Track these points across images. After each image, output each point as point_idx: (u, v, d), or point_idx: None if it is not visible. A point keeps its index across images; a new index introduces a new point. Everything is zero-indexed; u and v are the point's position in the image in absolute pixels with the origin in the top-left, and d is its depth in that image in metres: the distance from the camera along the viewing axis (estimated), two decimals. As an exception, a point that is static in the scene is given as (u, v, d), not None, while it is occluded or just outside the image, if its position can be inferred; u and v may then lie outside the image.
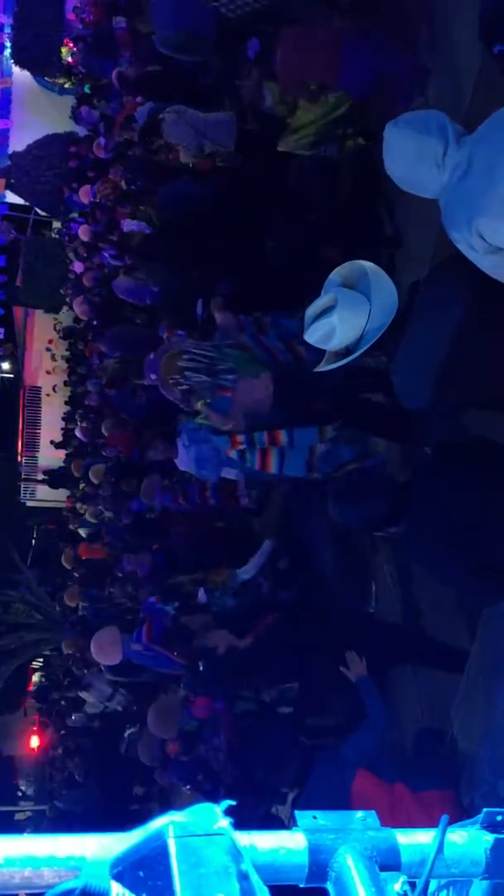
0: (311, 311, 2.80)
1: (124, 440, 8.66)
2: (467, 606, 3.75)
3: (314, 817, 1.02)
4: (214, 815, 0.63)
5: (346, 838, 0.99)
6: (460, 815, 1.06)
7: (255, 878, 0.61)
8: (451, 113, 3.84)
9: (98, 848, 0.63)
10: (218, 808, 0.63)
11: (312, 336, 2.82)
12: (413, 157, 2.29)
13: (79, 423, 11.68)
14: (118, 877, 0.58)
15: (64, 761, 10.45)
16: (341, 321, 2.70)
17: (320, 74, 4.46)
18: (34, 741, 16.89)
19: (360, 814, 1.05)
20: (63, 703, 11.21)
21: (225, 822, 0.63)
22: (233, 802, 0.64)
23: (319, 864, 0.97)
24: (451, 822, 1.01)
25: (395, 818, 2.93)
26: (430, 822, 1.01)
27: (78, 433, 11.58)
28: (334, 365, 2.92)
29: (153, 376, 6.32)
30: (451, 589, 3.50)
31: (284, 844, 0.96)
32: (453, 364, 2.44)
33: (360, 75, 4.28)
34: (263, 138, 6.64)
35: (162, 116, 6.72)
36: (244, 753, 4.26)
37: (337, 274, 2.82)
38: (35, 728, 17.16)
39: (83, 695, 8.73)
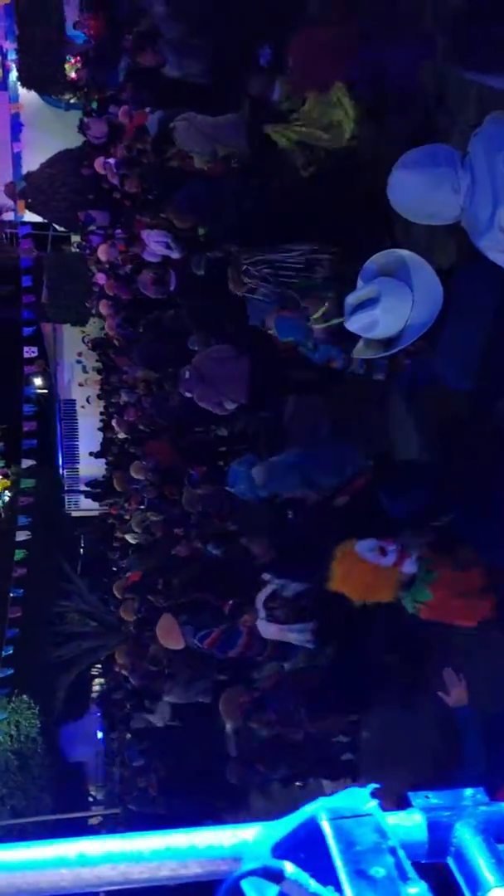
0: (353, 299, 2.76)
1: (162, 450, 8.79)
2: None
3: (426, 797, 1.08)
4: (363, 798, 0.69)
5: (461, 814, 1.05)
6: None
7: (401, 853, 0.67)
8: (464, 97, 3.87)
9: (251, 836, 0.70)
10: (365, 792, 0.70)
11: (354, 325, 2.78)
12: (430, 189, 2.46)
13: (118, 430, 11.87)
14: (281, 859, 0.64)
15: (133, 764, 10.61)
16: (385, 313, 2.67)
17: (333, 73, 4.48)
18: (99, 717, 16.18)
19: (469, 790, 1.11)
20: (127, 705, 11.38)
21: (372, 804, 0.69)
22: (377, 785, 0.70)
23: (438, 841, 1.03)
24: None
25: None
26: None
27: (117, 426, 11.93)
28: (374, 355, 2.92)
29: (188, 394, 6.63)
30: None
31: (403, 823, 1.03)
32: (495, 349, 2.48)
33: (373, 66, 4.32)
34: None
35: (173, 125, 6.79)
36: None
37: (373, 262, 2.79)
38: None
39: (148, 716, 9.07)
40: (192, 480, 7.40)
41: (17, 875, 0.78)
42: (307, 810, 0.65)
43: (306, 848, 0.63)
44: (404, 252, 2.76)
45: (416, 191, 2.45)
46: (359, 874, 0.62)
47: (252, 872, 0.62)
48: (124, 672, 9.93)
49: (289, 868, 0.61)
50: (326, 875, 0.63)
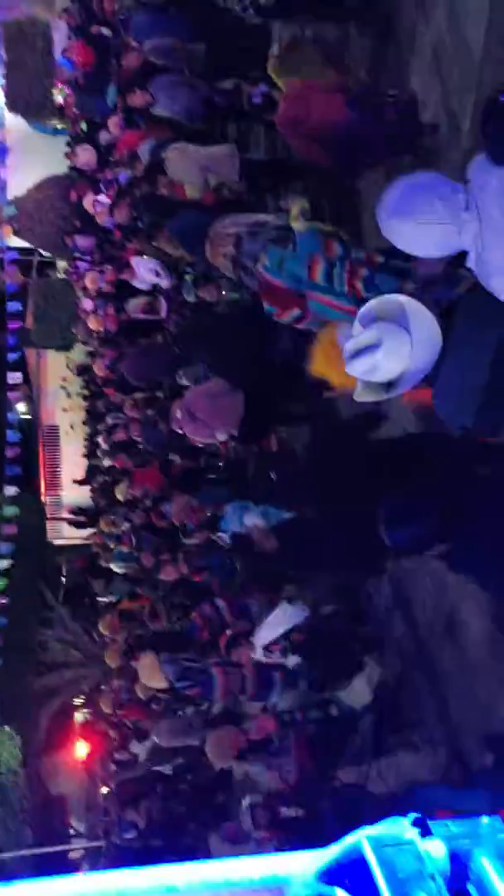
0: (352, 345, 2.77)
1: (151, 478, 8.77)
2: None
3: (446, 825, 1.10)
4: (403, 827, 0.71)
5: (480, 842, 1.07)
6: None
7: (439, 879, 0.69)
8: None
9: (285, 866, 0.71)
10: (406, 821, 0.71)
11: (355, 370, 2.78)
12: (435, 240, 2.43)
13: (109, 458, 11.84)
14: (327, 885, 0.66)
15: (118, 798, 10.47)
16: (386, 357, 2.68)
17: (321, 125, 4.62)
18: (82, 749, 16.25)
19: (485, 819, 1.13)
20: (112, 736, 11.25)
21: (413, 833, 0.71)
22: (419, 815, 0.72)
23: (459, 868, 1.05)
24: None
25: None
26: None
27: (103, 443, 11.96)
28: (375, 398, 2.91)
29: (180, 430, 6.72)
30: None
31: (427, 850, 1.04)
32: (494, 388, 2.50)
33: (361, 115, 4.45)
34: (267, 166, 6.80)
35: (164, 155, 6.88)
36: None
37: (371, 308, 2.81)
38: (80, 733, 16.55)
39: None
40: (186, 532, 7.44)
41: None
42: (351, 839, 0.67)
43: (351, 875, 0.65)
44: (403, 297, 2.77)
45: (416, 245, 2.44)
46: (404, 901, 0.64)
47: (308, 900, 0.64)
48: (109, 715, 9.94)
49: (339, 895, 0.63)
50: (372, 902, 0.64)
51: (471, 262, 2.45)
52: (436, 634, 5.07)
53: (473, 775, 4.22)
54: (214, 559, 7.30)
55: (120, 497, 10.09)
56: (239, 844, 6.22)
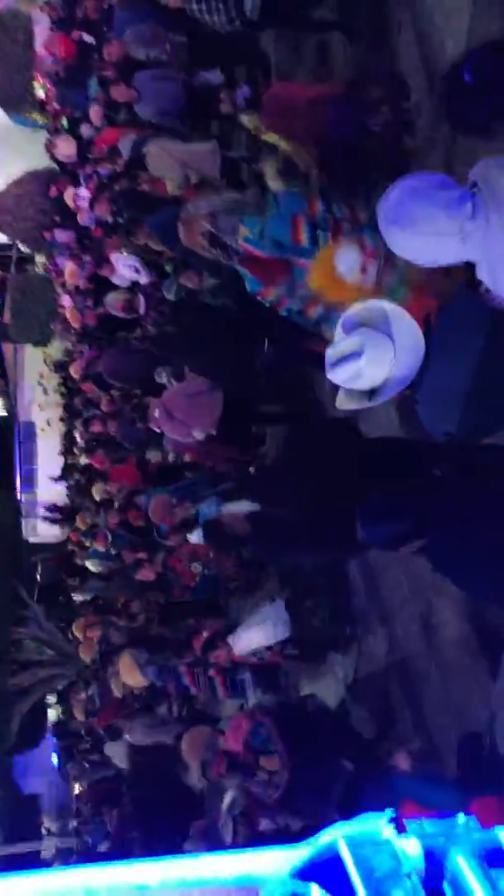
0: (334, 352, 2.70)
1: (128, 474, 8.73)
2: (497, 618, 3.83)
3: (420, 823, 1.09)
4: (380, 825, 0.69)
5: (456, 840, 1.06)
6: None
7: (415, 879, 0.68)
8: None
9: (274, 862, 0.69)
10: (383, 819, 0.70)
11: (338, 377, 2.72)
12: (436, 251, 2.32)
13: (86, 456, 11.76)
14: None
15: (91, 798, 10.42)
16: (369, 364, 2.62)
17: (304, 131, 4.59)
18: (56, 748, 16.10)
19: (461, 817, 1.12)
20: (86, 737, 11.20)
21: (389, 831, 0.70)
22: (393, 813, 0.71)
23: (434, 866, 1.04)
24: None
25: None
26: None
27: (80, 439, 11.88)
28: (356, 406, 2.88)
29: (157, 429, 6.69)
30: (483, 603, 3.58)
31: (403, 848, 1.03)
32: (479, 393, 2.47)
33: (346, 130, 4.41)
34: (248, 162, 6.78)
35: (145, 150, 6.85)
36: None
37: (355, 313, 2.75)
38: None
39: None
40: (160, 533, 7.39)
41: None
42: (325, 839, 0.65)
43: (326, 873, 0.63)
44: (385, 303, 2.73)
45: (416, 254, 2.36)
46: (380, 900, 0.63)
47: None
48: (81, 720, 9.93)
49: (315, 892, 0.61)
50: (348, 900, 0.63)
51: (482, 274, 2.33)
52: (412, 633, 5.09)
53: (446, 772, 4.25)
54: (201, 594, 7.37)
55: (97, 496, 10.06)
56: (210, 840, 6.20)
